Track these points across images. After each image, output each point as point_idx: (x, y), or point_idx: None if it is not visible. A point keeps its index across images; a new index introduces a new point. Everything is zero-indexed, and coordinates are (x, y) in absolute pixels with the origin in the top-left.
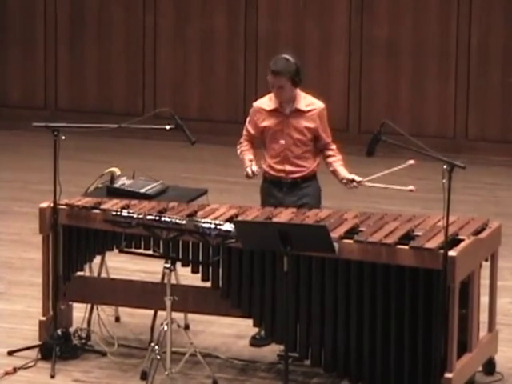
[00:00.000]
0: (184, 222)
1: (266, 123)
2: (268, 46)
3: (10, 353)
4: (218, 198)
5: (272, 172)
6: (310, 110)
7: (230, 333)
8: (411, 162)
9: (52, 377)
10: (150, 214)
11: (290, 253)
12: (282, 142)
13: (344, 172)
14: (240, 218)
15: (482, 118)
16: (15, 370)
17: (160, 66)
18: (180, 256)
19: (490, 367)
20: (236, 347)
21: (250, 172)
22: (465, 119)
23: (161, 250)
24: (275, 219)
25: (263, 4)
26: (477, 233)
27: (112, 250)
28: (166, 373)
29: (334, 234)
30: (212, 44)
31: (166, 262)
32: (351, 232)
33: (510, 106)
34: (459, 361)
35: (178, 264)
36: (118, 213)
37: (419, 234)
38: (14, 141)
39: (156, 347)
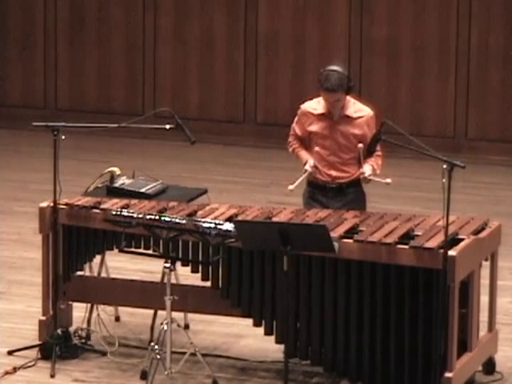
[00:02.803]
0: (184, 221)
1: (313, 128)
2: (268, 45)
3: (10, 352)
4: (218, 197)
5: (318, 176)
6: (358, 117)
7: (229, 332)
8: (388, 180)
9: (52, 376)
10: (149, 214)
11: (290, 252)
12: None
13: (364, 167)
14: (240, 218)
15: (482, 118)
16: (15, 369)
17: (160, 65)
18: (180, 255)
19: (489, 367)
20: (236, 347)
21: (311, 163)
22: (465, 119)
23: (161, 250)
24: (275, 219)
25: (263, 4)
26: (477, 232)
27: (112, 249)
28: (166, 372)
29: (334, 234)
30: (212, 44)
31: (166, 262)
32: (351, 231)
33: (509, 105)
34: (459, 360)
35: (178, 264)
36: (118, 212)
37: (419, 233)
38: (14, 141)
39: (156, 347)
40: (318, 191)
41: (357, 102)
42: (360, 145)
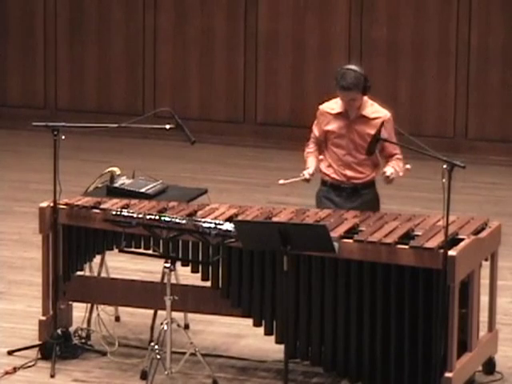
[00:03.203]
0: (184, 221)
1: (329, 127)
2: (268, 45)
3: (10, 352)
4: (218, 197)
5: (333, 175)
6: (374, 118)
7: (229, 332)
8: (408, 166)
9: (52, 376)
10: (149, 214)
11: (290, 252)
12: (344, 143)
13: (386, 168)
14: (240, 218)
15: (482, 118)
16: (15, 369)
17: (160, 65)
18: (180, 255)
19: (489, 367)
20: (236, 347)
21: (310, 172)
22: (464, 119)
23: (161, 250)
24: (275, 219)
25: (263, 4)
26: (477, 232)
27: (112, 249)
28: (166, 372)
29: (334, 234)
30: (212, 44)
31: (166, 262)
32: (351, 231)
33: (509, 105)
34: (459, 360)
35: (178, 263)
36: (118, 212)
37: (419, 233)
38: (14, 140)
39: (156, 347)
40: (332, 191)
41: (375, 104)
42: (407, 165)
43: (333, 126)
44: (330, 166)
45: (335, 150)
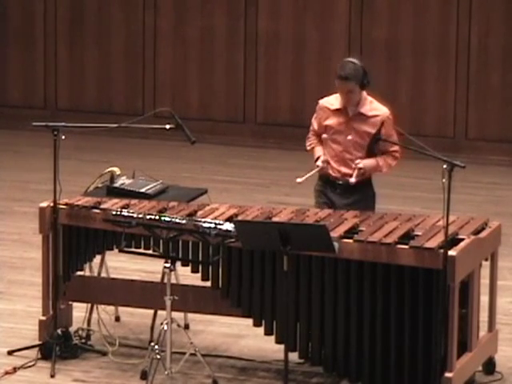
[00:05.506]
0: (184, 221)
1: (328, 122)
2: (268, 45)
3: (10, 352)
4: (218, 197)
5: (329, 171)
6: (373, 116)
7: (229, 332)
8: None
9: (52, 376)
10: (149, 214)
11: (290, 252)
12: (350, 137)
13: (365, 161)
14: (240, 218)
15: (482, 118)
16: (15, 369)
17: (160, 65)
18: (180, 255)
19: (489, 367)
20: (236, 347)
21: (323, 159)
22: (464, 119)
23: (161, 250)
24: (275, 219)
25: (263, 4)
26: (477, 232)
27: (112, 249)
28: (166, 372)
29: (334, 234)
30: (212, 44)
31: (166, 262)
32: (351, 231)
33: (509, 105)
34: (459, 360)
35: (178, 263)
36: (118, 212)
37: (419, 233)
38: (14, 141)
39: (156, 347)
40: (327, 186)
41: (374, 101)
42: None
43: (331, 121)
44: (326, 161)
45: (332, 145)
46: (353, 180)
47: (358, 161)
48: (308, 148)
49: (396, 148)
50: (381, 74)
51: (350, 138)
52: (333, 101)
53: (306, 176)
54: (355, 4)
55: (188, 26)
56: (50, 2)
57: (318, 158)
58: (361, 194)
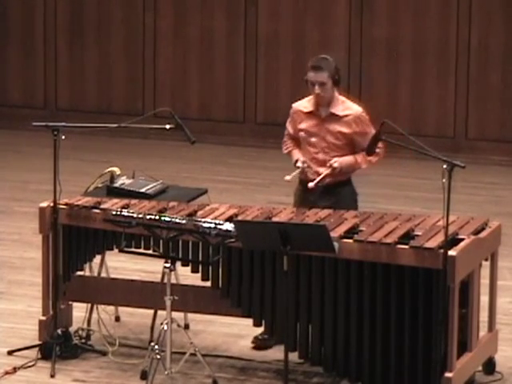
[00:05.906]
0: (184, 221)
1: (302, 125)
2: (268, 46)
3: (10, 352)
4: (218, 197)
5: (307, 174)
6: (345, 115)
7: (230, 332)
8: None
9: (52, 376)
10: (149, 214)
11: (290, 252)
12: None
13: (341, 159)
14: (240, 218)
15: (482, 118)
16: (15, 369)
17: (160, 65)
18: (180, 255)
19: (489, 367)
20: (236, 347)
21: (300, 165)
22: (464, 119)
23: (161, 250)
24: (275, 219)
25: (263, 4)
26: (477, 232)
27: (112, 249)
28: (166, 372)
29: (334, 234)
30: (212, 44)
31: (166, 262)
32: (351, 231)
33: (509, 105)
34: (459, 360)
35: (178, 263)
36: (118, 212)
37: (419, 233)
38: (14, 141)
39: (156, 347)
40: (307, 189)
41: (346, 101)
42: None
43: (305, 124)
44: (304, 162)
45: (309, 148)
46: (311, 185)
47: (334, 159)
48: (285, 152)
49: (378, 144)
50: (381, 74)
51: (324, 144)
52: (305, 103)
53: (294, 174)
54: (355, 4)
55: (188, 26)
56: (50, 2)
57: (296, 161)
58: (341, 194)
